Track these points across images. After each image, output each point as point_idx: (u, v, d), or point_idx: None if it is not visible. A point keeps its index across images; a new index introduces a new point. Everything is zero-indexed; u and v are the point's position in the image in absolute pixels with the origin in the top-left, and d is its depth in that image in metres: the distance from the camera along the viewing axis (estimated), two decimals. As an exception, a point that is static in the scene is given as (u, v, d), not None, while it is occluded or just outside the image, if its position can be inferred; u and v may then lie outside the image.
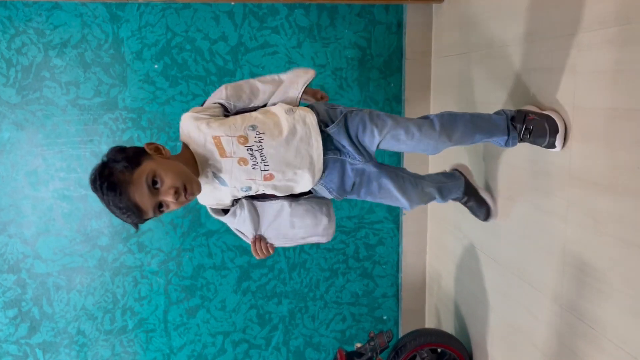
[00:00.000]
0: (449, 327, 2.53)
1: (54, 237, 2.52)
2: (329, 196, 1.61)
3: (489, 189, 2.02)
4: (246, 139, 1.42)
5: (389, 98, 2.64)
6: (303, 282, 2.74)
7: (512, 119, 1.61)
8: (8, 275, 2.53)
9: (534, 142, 1.59)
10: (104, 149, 2.46)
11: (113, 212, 1.31)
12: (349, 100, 2.60)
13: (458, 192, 1.93)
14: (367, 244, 2.76)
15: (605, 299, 1.39)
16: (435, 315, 2.73)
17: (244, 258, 2.66)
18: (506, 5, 1.87)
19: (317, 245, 2.71)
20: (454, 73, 2.36)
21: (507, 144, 1.64)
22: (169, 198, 1.30)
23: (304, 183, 1.52)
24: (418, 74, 2.62)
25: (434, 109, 2.60)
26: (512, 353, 1.96)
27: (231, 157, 1.42)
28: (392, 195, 1.65)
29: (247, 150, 1.42)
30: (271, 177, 1.46)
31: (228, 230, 2.60)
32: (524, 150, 1.75)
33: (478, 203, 1.97)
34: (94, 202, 2.51)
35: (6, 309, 2.56)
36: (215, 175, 1.45)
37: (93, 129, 2.47)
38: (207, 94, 2.49)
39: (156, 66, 2.46)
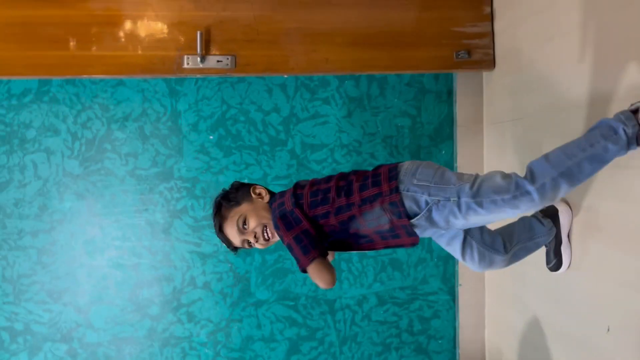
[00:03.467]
0: (514, 409, 2.33)
1: (106, 306, 2.53)
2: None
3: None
4: None
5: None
6: (354, 356, 2.62)
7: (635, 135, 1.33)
8: (60, 345, 2.53)
9: None
10: (158, 217, 2.52)
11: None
12: (399, 168, 2.58)
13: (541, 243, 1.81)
14: (421, 316, 2.64)
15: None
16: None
17: (293, 330, 2.59)
18: (560, 71, 1.85)
19: (368, 317, 2.61)
20: (507, 139, 2.32)
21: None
22: (250, 239, 1.58)
23: None
24: (470, 141, 2.59)
25: (488, 175, 2.54)
26: None
27: None
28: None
29: None
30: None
31: (277, 300, 2.56)
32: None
33: (555, 251, 1.81)
34: (146, 270, 2.53)
35: (56, 379, 2.55)
36: None
37: (149, 199, 2.53)
38: (260, 163, 2.55)
39: (211, 137, 2.54)
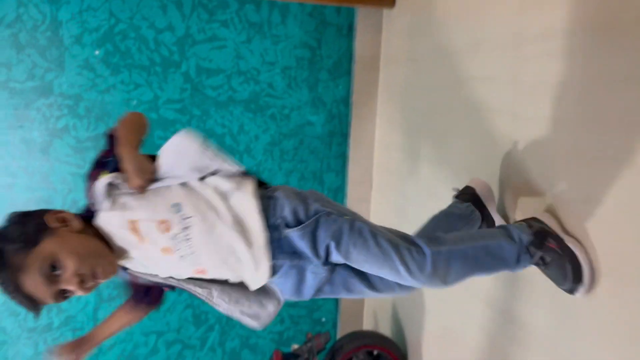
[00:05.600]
0: (385, 329, 2.55)
1: (-24, 228, 2.36)
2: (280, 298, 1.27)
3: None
4: (168, 225, 1.09)
5: (337, 100, 2.64)
6: (242, 282, 2.69)
7: (530, 243, 1.24)
8: None
9: (549, 277, 1.27)
10: (35, 135, 2.34)
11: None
12: (297, 100, 2.59)
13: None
14: (308, 245, 2.74)
15: (534, 304, 1.44)
16: (373, 318, 2.75)
17: (181, 256, 2.58)
18: (454, 16, 1.91)
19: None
20: (401, 79, 2.39)
21: (513, 270, 1.28)
22: (71, 287, 1.03)
23: (246, 279, 1.20)
24: (366, 78, 2.64)
25: (381, 113, 2.63)
26: (445, 355, 1.99)
27: (152, 244, 1.10)
28: (365, 295, 1.30)
29: (171, 239, 1.10)
30: (204, 272, 1.15)
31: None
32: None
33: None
34: (22, 191, 2.37)
35: None
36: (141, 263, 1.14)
37: (24, 114, 2.33)
38: (150, 85, 2.42)
39: (97, 52, 2.35)
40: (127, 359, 2.61)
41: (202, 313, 2.66)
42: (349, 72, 2.63)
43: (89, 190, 1.11)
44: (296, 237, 1.15)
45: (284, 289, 1.23)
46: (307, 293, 1.24)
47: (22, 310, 2.45)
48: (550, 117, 1.38)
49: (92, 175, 1.12)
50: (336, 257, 1.17)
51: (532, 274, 1.45)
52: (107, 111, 2.38)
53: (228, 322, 2.70)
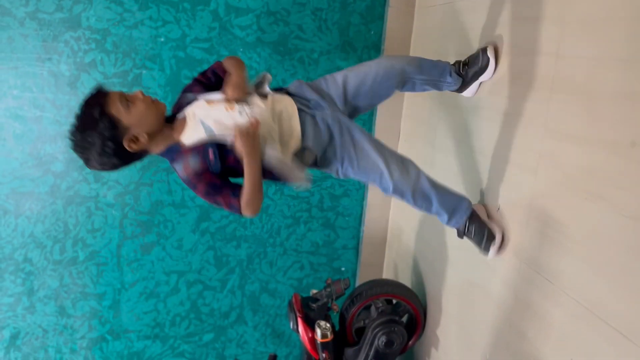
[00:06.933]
0: (405, 280, 2.54)
1: (3, 159, 2.38)
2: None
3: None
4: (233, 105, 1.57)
5: (367, 46, 2.56)
6: (264, 227, 2.69)
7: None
8: (-48, 195, 2.39)
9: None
10: (63, 68, 2.32)
11: (86, 117, 1.49)
12: (326, 44, 2.51)
13: None
14: (332, 194, 2.72)
15: (566, 252, 1.39)
16: (393, 270, 2.73)
17: (205, 198, 2.59)
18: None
19: (281, 191, 2.66)
20: (436, 23, 2.29)
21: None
22: (137, 93, 1.50)
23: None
24: (400, 24, 2.54)
25: (413, 61, 2.54)
26: (466, 306, 1.97)
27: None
28: (369, 157, 1.66)
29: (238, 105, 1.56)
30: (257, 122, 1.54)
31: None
32: (496, 104, 1.72)
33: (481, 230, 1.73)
34: (49, 124, 2.38)
35: (-52, 230, 2.43)
36: (202, 123, 1.55)
37: (52, 47, 2.31)
38: (178, 22, 2.37)
39: (125, -15, 2.30)
40: (149, 296, 2.66)
41: (223, 255, 2.68)
42: (382, 17, 2.54)
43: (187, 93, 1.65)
44: (297, 87, 1.70)
45: (308, 136, 1.62)
46: (323, 136, 1.62)
47: (48, 243, 2.50)
48: (597, 57, 1.30)
49: (191, 88, 1.66)
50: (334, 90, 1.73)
51: (563, 223, 1.40)
52: (134, 47, 2.35)
53: (248, 266, 2.72)
